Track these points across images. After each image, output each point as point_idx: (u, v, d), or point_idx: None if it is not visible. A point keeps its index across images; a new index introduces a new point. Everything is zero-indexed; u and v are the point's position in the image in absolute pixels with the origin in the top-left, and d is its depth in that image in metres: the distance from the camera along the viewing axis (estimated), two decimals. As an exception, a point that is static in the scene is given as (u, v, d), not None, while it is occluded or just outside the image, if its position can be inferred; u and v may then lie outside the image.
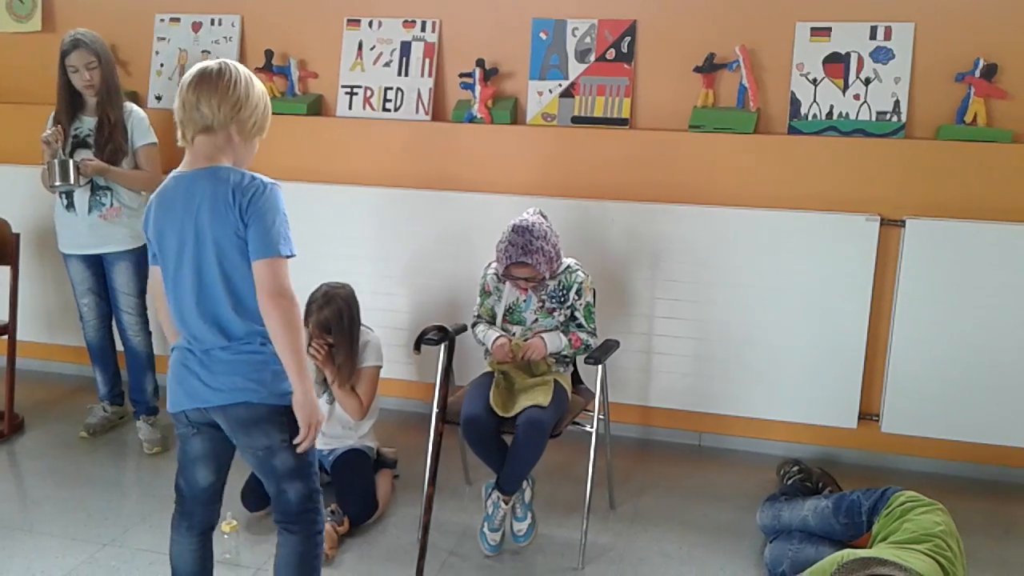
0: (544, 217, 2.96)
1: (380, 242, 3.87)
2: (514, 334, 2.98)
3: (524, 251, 2.82)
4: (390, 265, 3.86)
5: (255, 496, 3.08)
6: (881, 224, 3.39)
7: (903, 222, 3.38)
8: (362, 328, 3.27)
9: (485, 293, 3.06)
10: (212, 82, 2.03)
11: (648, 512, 3.24)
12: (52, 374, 4.51)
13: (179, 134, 2.08)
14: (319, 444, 3.06)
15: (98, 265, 3.68)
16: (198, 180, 2.04)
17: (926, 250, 3.36)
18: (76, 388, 4.34)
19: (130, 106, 3.60)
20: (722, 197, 3.58)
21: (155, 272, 2.16)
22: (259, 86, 2.13)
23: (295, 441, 2.07)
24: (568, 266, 3.02)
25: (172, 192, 2.08)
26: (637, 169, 3.68)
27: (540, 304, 2.97)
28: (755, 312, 3.55)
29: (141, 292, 3.69)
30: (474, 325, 3.08)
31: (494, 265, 3.01)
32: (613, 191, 3.69)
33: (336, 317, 3.14)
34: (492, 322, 3.05)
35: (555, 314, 2.97)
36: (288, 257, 2.02)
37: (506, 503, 2.85)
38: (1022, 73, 3.38)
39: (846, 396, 3.51)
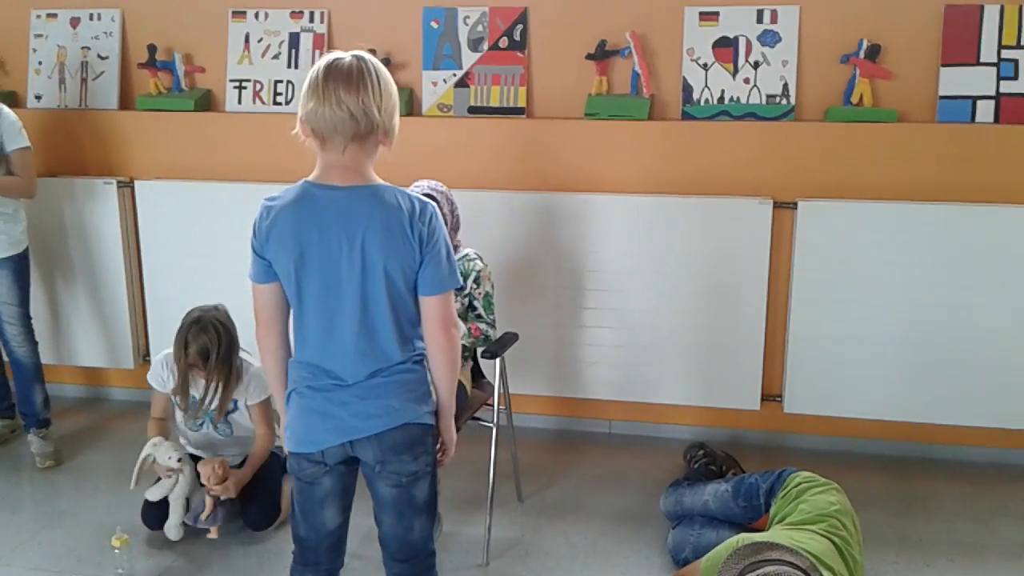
0: (447, 191, 2.95)
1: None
2: None
3: (429, 189, 2.84)
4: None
5: (156, 512, 2.97)
6: (774, 207, 3.43)
7: (795, 204, 3.42)
8: (244, 359, 3.03)
9: None
10: (356, 79, 1.81)
11: (556, 503, 3.23)
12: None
13: (314, 141, 1.86)
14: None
15: None
16: (359, 200, 1.86)
17: (818, 231, 3.41)
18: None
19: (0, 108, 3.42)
20: (618, 184, 3.58)
21: (266, 292, 1.95)
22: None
23: (439, 455, 2.05)
24: (467, 255, 2.98)
25: (320, 208, 1.86)
26: (535, 158, 3.65)
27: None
28: (656, 298, 3.56)
29: (22, 301, 3.53)
30: None
31: None
32: (512, 181, 3.66)
33: (214, 343, 2.89)
34: None
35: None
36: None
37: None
38: (905, 53, 3.44)
39: (748, 378, 3.55)
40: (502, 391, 3.01)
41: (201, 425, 3.07)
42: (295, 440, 1.99)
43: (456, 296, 2.92)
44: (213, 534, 2.93)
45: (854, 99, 3.46)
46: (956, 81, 3.41)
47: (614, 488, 3.35)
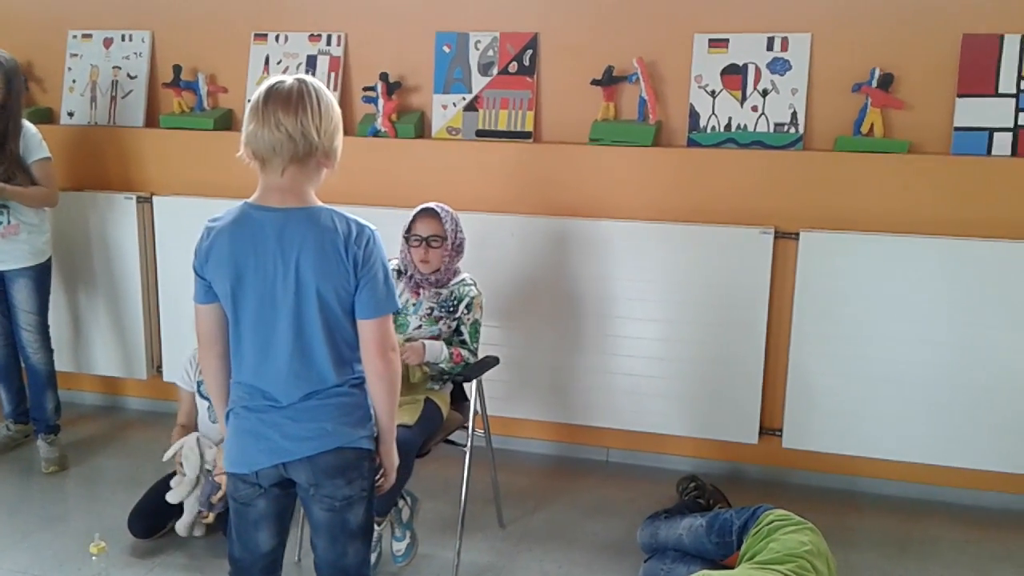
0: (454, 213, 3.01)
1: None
2: None
3: (436, 208, 2.91)
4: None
5: (144, 521, 3.05)
6: (776, 237, 3.36)
7: (797, 235, 3.35)
8: None
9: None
10: (295, 103, 1.83)
11: (537, 530, 3.20)
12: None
13: (255, 163, 1.88)
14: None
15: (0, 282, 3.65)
16: (295, 222, 1.86)
17: (821, 263, 3.33)
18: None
19: (23, 123, 3.57)
20: (621, 210, 3.55)
21: (206, 312, 1.97)
22: (336, 104, 1.94)
23: (377, 479, 2.03)
24: (463, 279, 3.00)
25: (257, 230, 1.88)
26: (540, 183, 3.65)
27: (428, 311, 2.93)
28: (656, 326, 3.51)
29: (41, 310, 3.66)
30: None
31: (395, 261, 2.98)
32: (516, 205, 3.66)
33: None
34: None
35: (440, 323, 2.93)
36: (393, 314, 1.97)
37: (378, 524, 2.81)
38: (918, 82, 3.35)
39: (747, 411, 3.47)
40: (479, 414, 3.00)
41: None
42: (230, 460, 2.01)
43: (446, 319, 2.94)
44: (210, 518, 2.98)
45: (864, 129, 3.38)
46: (972, 112, 3.30)
47: (601, 517, 3.30)
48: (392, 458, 2.06)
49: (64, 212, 3.96)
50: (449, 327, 2.96)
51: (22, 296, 3.62)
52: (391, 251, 2.93)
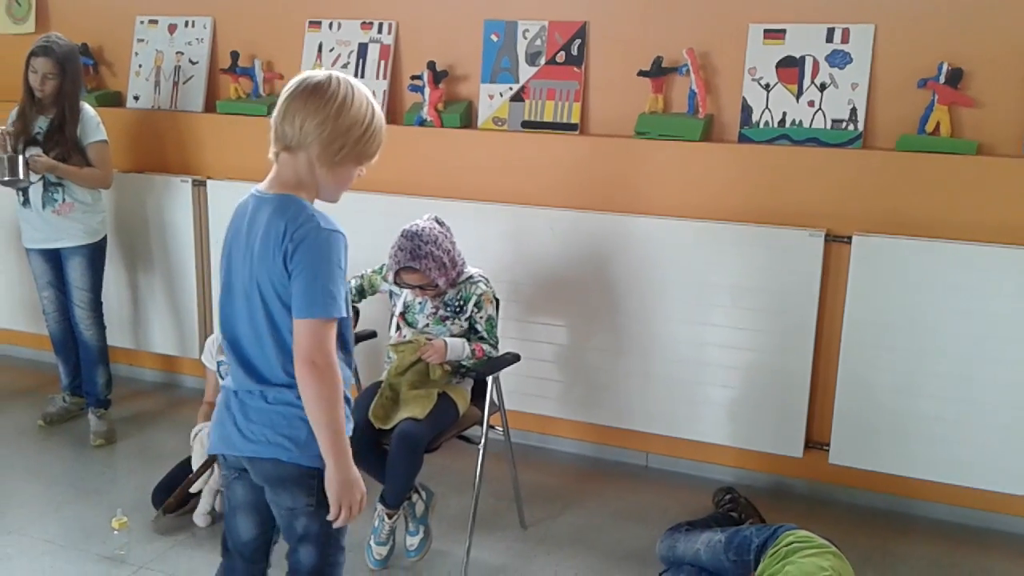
0: (440, 224, 2.88)
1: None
2: (404, 336, 2.91)
3: (412, 256, 2.75)
4: (352, 270, 3.81)
5: (167, 496, 3.10)
6: (826, 240, 3.18)
7: (849, 238, 3.16)
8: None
9: (382, 274, 3.00)
10: (304, 94, 1.80)
11: (559, 533, 3.12)
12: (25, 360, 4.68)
13: (270, 149, 1.88)
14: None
15: (56, 259, 3.77)
16: (264, 207, 1.83)
17: (876, 269, 3.13)
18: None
19: (81, 106, 3.67)
20: (667, 207, 3.42)
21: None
22: (363, 108, 1.84)
23: (328, 518, 1.85)
24: (471, 276, 2.93)
25: (242, 213, 1.89)
26: (584, 176, 3.55)
27: (434, 311, 2.89)
28: (701, 329, 3.37)
29: (94, 287, 3.77)
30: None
31: None
32: (560, 198, 3.57)
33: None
34: (369, 293, 3.07)
35: (448, 323, 2.88)
36: (333, 319, 1.79)
37: (390, 517, 2.79)
38: (990, 79, 3.11)
39: (792, 423, 3.30)
40: (498, 411, 2.94)
41: None
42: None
43: (456, 319, 2.88)
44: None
45: (929, 128, 3.16)
46: (1051, 111, 3.05)
47: (629, 524, 3.20)
48: (334, 488, 1.81)
49: (123, 193, 4.07)
50: (461, 327, 2.90)
51: (76, 274, 3.73)
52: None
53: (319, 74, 1.84)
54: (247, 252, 1.85)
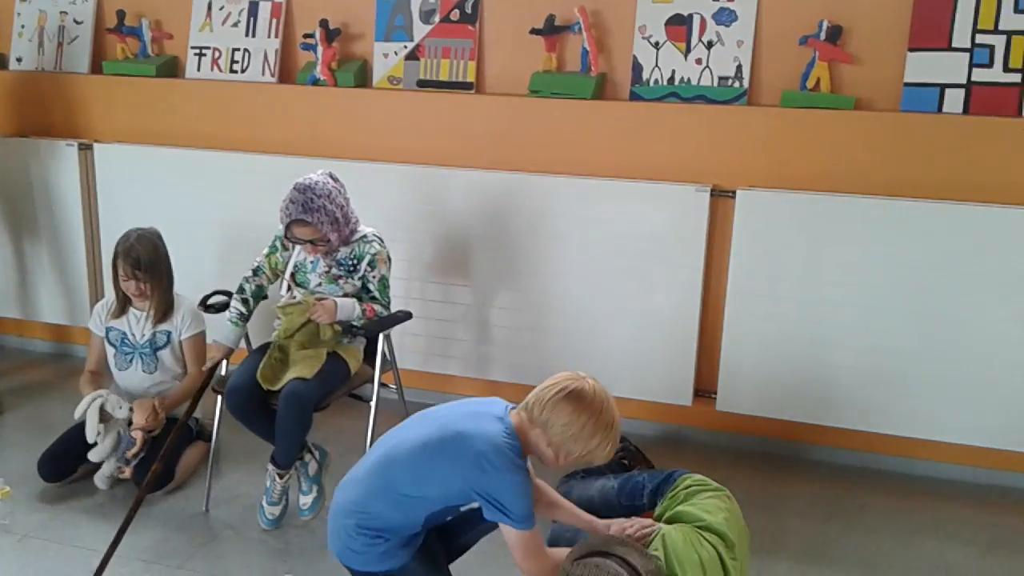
0: (334, 179, 2.86)
1: (231, 209, 3.77)
2: (294, 297, 2.89)
3: (304, 209, 2.72)
4: (244, 232, 3.75)
5: (53, 465, 3.03)
6: (712, 195, 3.25)
7: (734, 193, 3.24)
8: (178, 294, 3.19)
9: (280, 246, 2.94)
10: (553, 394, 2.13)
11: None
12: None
13: None
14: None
15: None
16: None
17: (759, 222, 3.23)
18: None
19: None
20: (561, 165, 3.45)
21: None
22: (594, 432, 2.11)
23: None
24: (364, 235, 2.92)
25: None
26: (480, 135, 3.55)
27: (327, 269, 2.87)
28: (592, 285, 3.43)
29: None
30: (243, 282, 2.94)
31: None
32: (456, 157, 3.57)
33: (150, 254, 3.04)
34: (273, 280, 2.97)
35: (341, 282, 2.87)
36: None
37: (281, 477, 2.78)
38: (869, 35, 3.21)
39: (681, 373, 3.39)
40: (390, 369, 2.95)
41: (130, 362, 3.12)
42: None
43: (349, 278, 2.87)
44: (127, 474, 2.96)
45: (810, 84, 3.25)
46: (924, 67, 3.16)
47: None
48: None
49: (7, 158, 3.95)
50: (354, 286, 2.89)
51: None
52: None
53: None
54: None
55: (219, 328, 2.92)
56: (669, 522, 2.51)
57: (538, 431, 2.10)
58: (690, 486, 2.61)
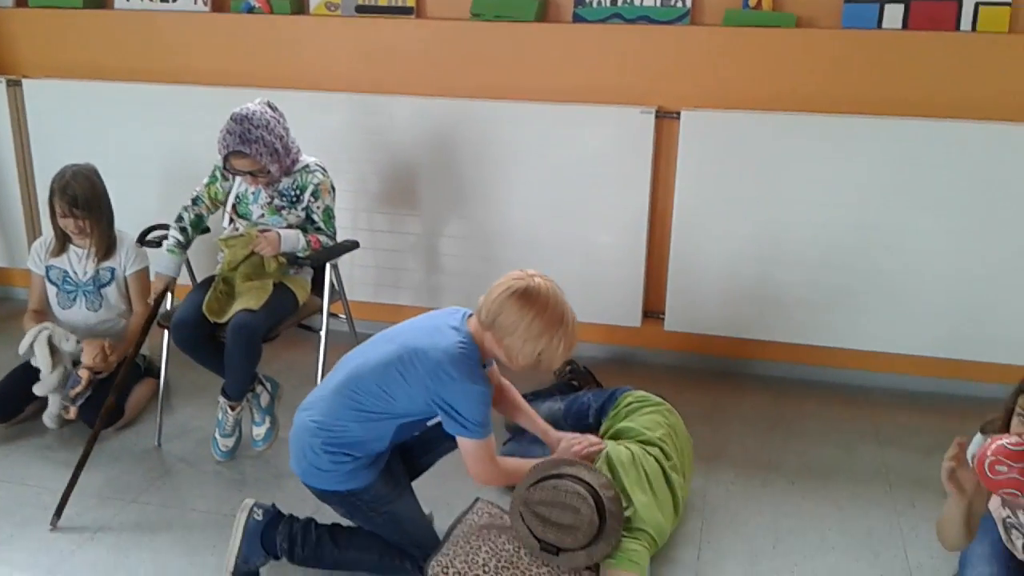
0: (272, 108, 2.80)
1: (168, 143, 3.68)
2: (237, 228, 2.85)
3: (242, 140, 2.66)
4: (183, 165, 3.67)
5: (0, 406, 2.99)
6: (657, 116, 3.26)
7: (678, 114, 3.24)
8: (120, 231, 3.13)
9: (220, 176, 2.88)
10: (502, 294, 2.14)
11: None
12: None
13: None
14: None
15: None
16: None
17: (703, 143, 3.24)
18: None
19: None
20: (504, 89, 3.42)
21: None
22: (546, 328, 2.12)
23: None
24: (306, 165, 2.87)
25: None
26: (422, 61, 3.50)
27: (269, 200, 2.83)
28: (539, 210, 3.44)
29: None
30: (181, 211, 2.89)
31: None
32: (398, 85, 3.52)
33: (87, 191, 2.97)
34: (213, 210, 2.92)
35: (284, 213, 2.83)
36: None
37: (233, 409, 2.77)
38: (808, -48, 3.20)
39: (630, 294, 3.43)
40: (339, 299, 2.94)
41: (74, 300, 3.08)
42: None
43: (293, 209, 2.84)
44: (71, 414, 2.93)
45: (752, 2, 3.24)
46: (863, -17, 3.17)
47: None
48: None
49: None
50: (298, 217, 2.85)
51: None
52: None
53: None
54: None
55: (159, 259, 2.87)
56: (612, 439, 2.58)
57: (490, 334, 2.12)
58: (631, 403, 2.68)
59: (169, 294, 2.89)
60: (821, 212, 3.20)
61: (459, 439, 2.14)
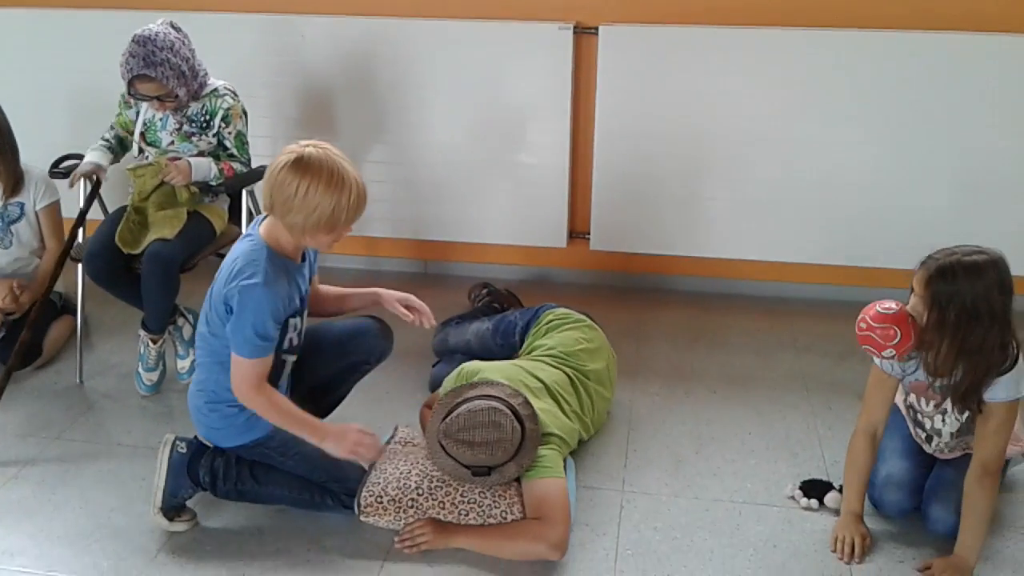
0: (176, 29, 2.69)
1: (71, 72, 3.52)
2: (147, 157, 2.76)
3: (146, 63, 2.56)
4: (90, 95, 3.53)
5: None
6: (575, 32, 3.23)
7: (596, 30, 3.22)
8: (27, 165, 3.00)
9: (124, 104, 2.79)
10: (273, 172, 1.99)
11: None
12: None
13: None
14: None
15: None
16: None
17: (622, 59, 3.23)
18: None
19: None
20: (416, 8, 3.34)
21: None
22: (324, 195, 1.96)
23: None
24: (215, 89, 2.78)
25: None
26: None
27: (178, 126, 2.74)
28: (461, 132, 3.41)
29: None
30: (104, 135, 2.82)
31: None
32: (308, 3, 3.41)
33: None
34: (126, 137, 2.83)
35: (194, 140, 2.75)
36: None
37: (154, 342, 2.73)
38: None
39: (554, 215, 3.45)
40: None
41: None
42: None
43: (204, 135, 2.76)
44: None
45: (669, -88, 3.21)
46: None
47: (401, 326, 3.27)
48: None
49: None
50: (209, 143, 2.78)
51: None
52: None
53: (311, 151, 2.04)
54: None
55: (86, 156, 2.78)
56: (529, 354, 2.62)
57: (276, 221, 2.01)
58: (551, 320, 2.71)
59: (81, 230, 2.80)
60: (740, 127, 3.24)
61: (232, 357, 2.03)
